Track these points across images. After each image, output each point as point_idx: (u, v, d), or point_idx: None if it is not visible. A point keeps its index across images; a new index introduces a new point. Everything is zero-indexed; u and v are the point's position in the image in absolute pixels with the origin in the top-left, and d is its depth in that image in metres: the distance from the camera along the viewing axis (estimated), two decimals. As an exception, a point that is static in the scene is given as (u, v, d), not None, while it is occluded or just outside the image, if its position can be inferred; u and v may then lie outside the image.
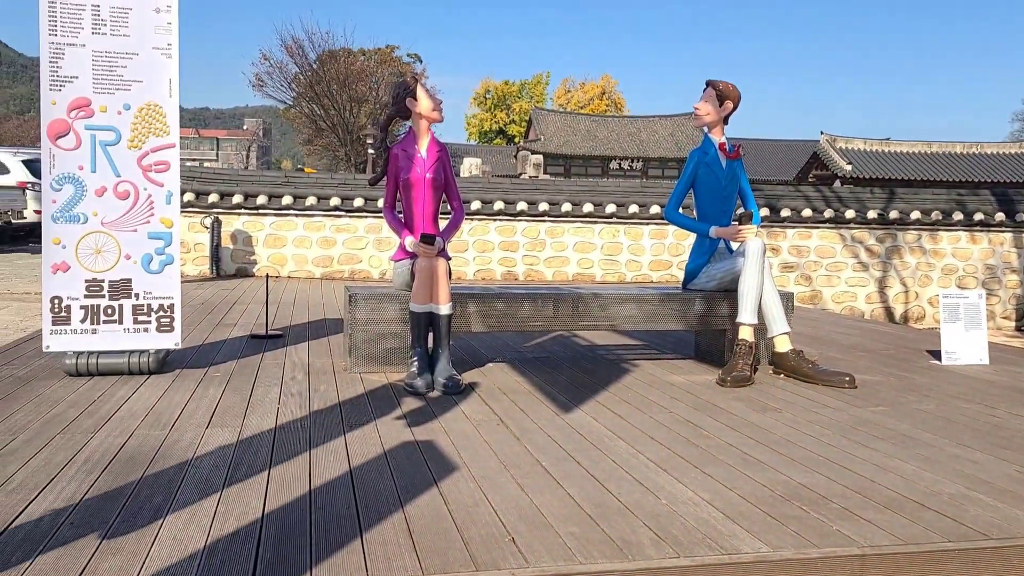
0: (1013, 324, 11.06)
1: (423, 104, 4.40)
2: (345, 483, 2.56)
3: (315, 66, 37.89)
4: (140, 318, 4.03)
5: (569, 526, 2.27)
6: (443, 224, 5.38)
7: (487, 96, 72.72)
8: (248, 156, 54.52)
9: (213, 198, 9.90)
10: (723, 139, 4.84)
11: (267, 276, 5.59)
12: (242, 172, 10.60)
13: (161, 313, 4.06)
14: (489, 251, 10.61)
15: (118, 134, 3.95)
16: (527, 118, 57.32)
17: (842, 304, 11.01)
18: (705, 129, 4.86)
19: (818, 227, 11.04)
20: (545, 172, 42.00)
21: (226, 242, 10.07)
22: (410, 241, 4.29)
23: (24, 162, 15.20)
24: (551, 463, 2.84)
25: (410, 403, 3.67)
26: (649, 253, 10.87)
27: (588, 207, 10.68)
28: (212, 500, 2.38)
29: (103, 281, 3.96)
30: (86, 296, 3.94)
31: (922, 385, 4.36)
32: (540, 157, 29.31)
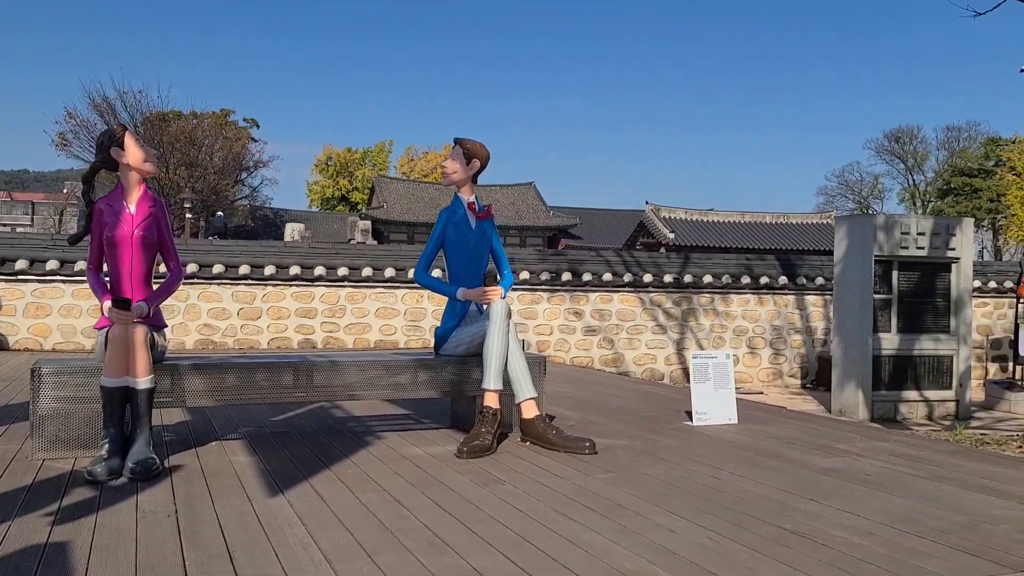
0: (799, 382, 11.64)
1: (132, 155, 3.98)
2: None
3: (139, 128, 36.07)
4: None
5: (159, 646, 1.87)
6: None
7: (329, 163, 71.87)
8: (61, 220, 50.81)
9: (-39, 263, 8.86)
10: (472, 198, 4.70)
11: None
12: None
13: None
14: (285, 318, 10.07)
15: None
16: (370, 185, 56.98)
17: (643, 367, 11.22)
18: (455, 189, 4.71)
19: (619, 291, 11.27)
20: (388, 239, 41.70)
21: (-21, 312, 9.00)
22: (106, 306, 3.80)
23: None
24: (198, 563, 2.44)
25: (80, 494, 3.16)
26: (454, 318, 10.67)
27: (390, 271, 10.41)
28: None
29: None
30: None
31: (664, 447, 4.29)
32: (368, 223, 29.01)
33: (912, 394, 9.20)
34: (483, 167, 4.71)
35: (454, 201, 4.72)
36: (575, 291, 11.10)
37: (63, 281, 9.22)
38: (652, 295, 11.37)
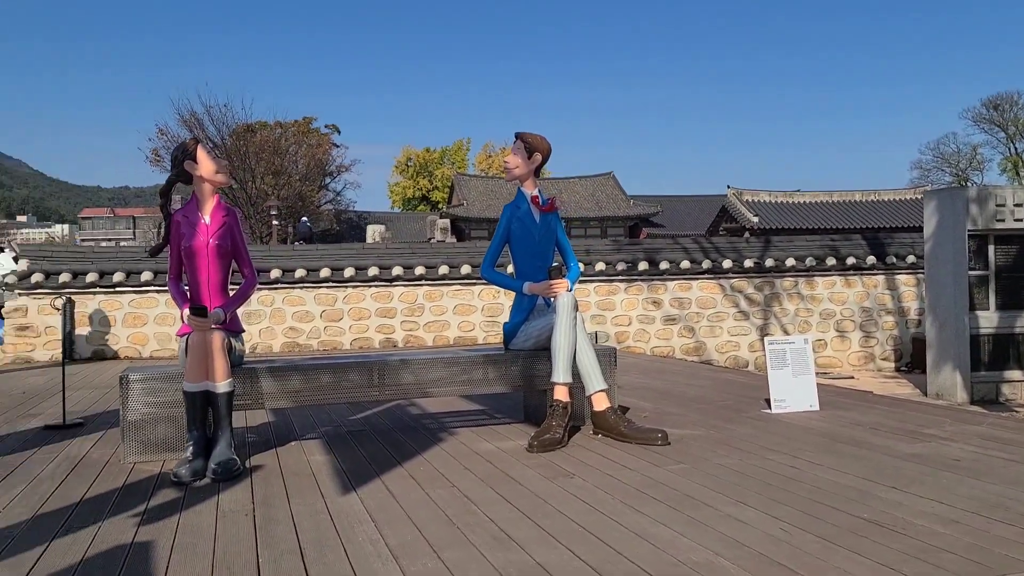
0: (893, 365, 11.20)
1: (205, 167, 4.13)
2: (-8, 605, 2.19)
3: (227, 140, 37.39)
4: None
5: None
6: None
7: (408, 164, 72.96)
8: (158, 233, 53.13)
9: (64, 278, 9.37)
10: (535, 192, 4.68)
11: (64, 358, 5.15)
12: (96, 249, 10.11)
13: None
14: (366, 318, 10.29)
15: None
16: (449, 184, 57.56)
17: (726, 354, 11.00)
18: (517, 184, 4.71)
19: (698, 278, 11.07)
20: (469, 236, 42.04)
21: (82, 323, 9.51)
22: (185, 314, 3.96)
23: None
24: (270, 560, 2.51)
25: (166, 495, 3.30)
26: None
27: (466, 269, 10.49)
28: None
29: None
30: None
31: (739, 436, 4.19)
32: (447, 221, 29.28)
33: (1016, 374, 8.72)
34: (545, 160, 4.69)
35: (517, 196, 4.71)
36: (653, 280, 10.96)
37: (157, 291, 9.65)
38: (733, 281, 11.13)
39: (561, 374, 4.21)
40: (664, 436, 4.03)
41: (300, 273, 10.06)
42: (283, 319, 10.08)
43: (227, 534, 2.77)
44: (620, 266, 10.90)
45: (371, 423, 4.83)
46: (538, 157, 4.64)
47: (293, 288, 10.11)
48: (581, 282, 10.56)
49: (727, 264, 11.08)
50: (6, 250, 14.16)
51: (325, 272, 10.13)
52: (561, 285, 4.38)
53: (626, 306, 10.90)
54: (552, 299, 4.48)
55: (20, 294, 9.41)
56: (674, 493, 3.15)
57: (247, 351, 9.48)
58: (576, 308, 4.34)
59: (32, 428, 4.84)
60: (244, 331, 4.36)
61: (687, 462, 3.66)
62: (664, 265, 10.96)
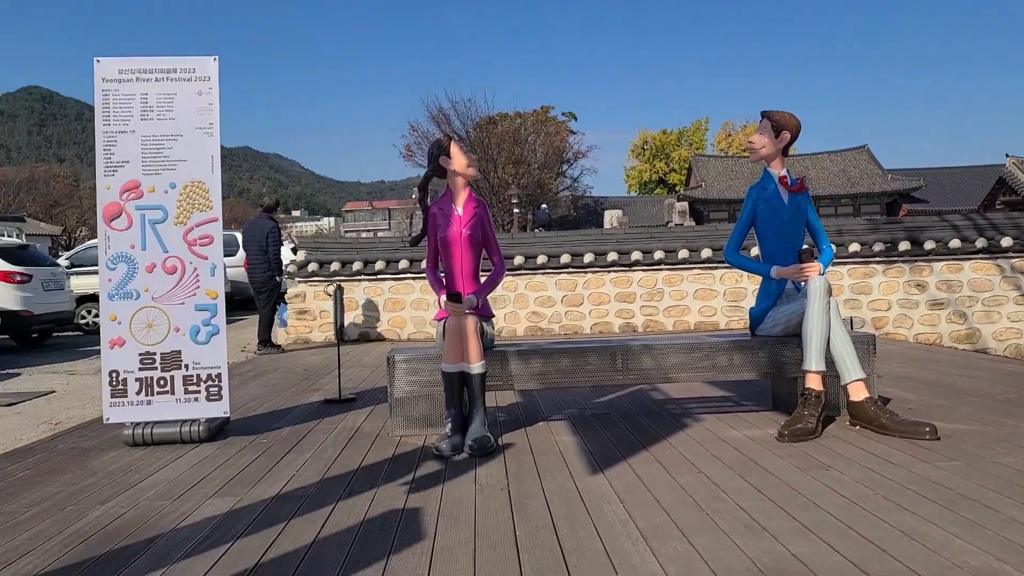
0: None
1: (457, 162, 4.39)
2: (293, 558, 2.50)
3: (471, 133, 39.35)
4: (190, 388, 4.21)
5: (492, 604, 2.08)
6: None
7: (645, 147, 72.55)
8: (411, 223, 57.03)
9: (335, 266, 10.36)
10: (783, 172, 4.49)
11: (338, 340, 5.71)
12: (359, 240, 11.06)
13: (209, 383, 4.23)
14: (605, 303, 10.40)
15: (165, 212, 4.21)
16: (687, 166, 56.53)
17: (1005, 343, 9.86)
18: (763, 164, 4.55)
19: (970, 258, 10.01)
20: (708, 219, 41.10)
21: (350, 308, 10.48)
22: (442, 300, 4.24)
23: None
24: (526, 533, 2.65)
25: (429, 467, 3.58)
26: (777, 297, 10.23)
27: (707, 252, 10.26)
28: None
29: (155, 354, 4.18)
30: (140, 369, 4.17)
31: (1022, 434, 3.76)
32: (685, 204, 28.70)
33: None
34: (793, 139, 4.48)
35: (764, 176, 4.54)
36: (916, 261, 10.06)
37: (412, 278, 10.39)
38: (1013, 261, 9.93)
39: (814, 361, 4.01)
40: (933, 430, 3.72)
41: (542, 259, 10.37)
42: (526, 304, 10.46)
43: (485, 506, 2.96)
44: (877, 247, 10.11)
45: (614, 406, 4.90)
46: (786, 136, 4.44)
47: (535, 274, 10.44)
48: (832, 265, 9.95)
49: (1006, 242, 9.90)
50: (286, 242, 15.96)
51: (565, 258, 10.37)
52: (813, 268, 4.18)
53: (884, 290, 10.11)
54: (803, 283, 4.28)
55: (299, 281, 10.55)
56: (946, 492, 2.91)
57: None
58: (830, 292, 4.11)
59: (314, 402, 5.43)
60: (494, 316, 4.59)
61: (960, 459, 3.35)
62: (929, 245, 10.02)
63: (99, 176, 4.18)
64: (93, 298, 13.84)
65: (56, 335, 13.65)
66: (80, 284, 13.62)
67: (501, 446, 3.94)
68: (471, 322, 4.01)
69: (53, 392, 7.68)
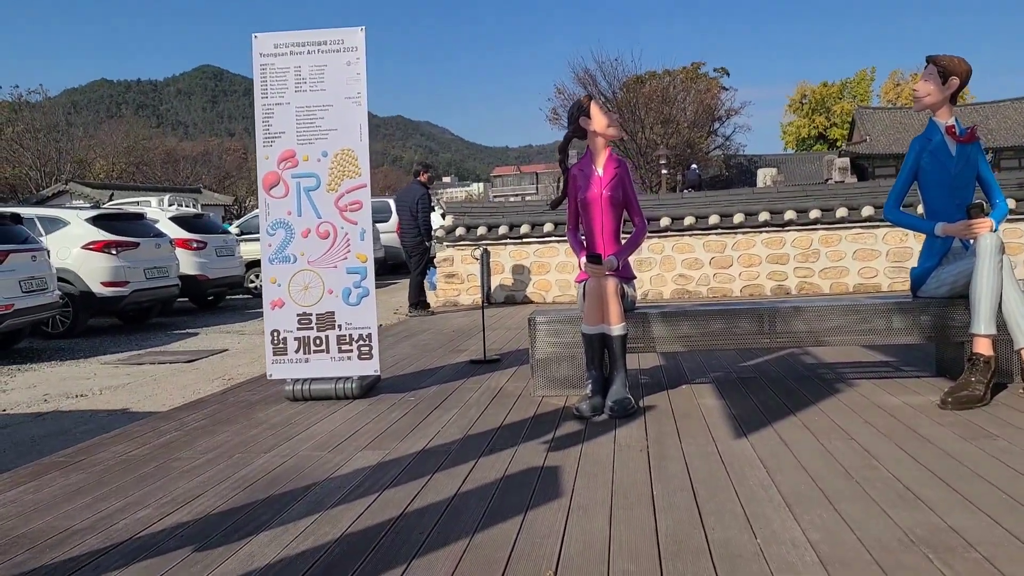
0: None
1: (597, 122, 4.35)
2: (436, 509, 2.61)
3: (617, 94, 38.78)
4: (343, 347, 4.44)
5: (627, 563, 2.10)
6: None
7: (803, 101, 68.94)
8: (557, 187, 57.16)
9: (481, 231, 10.56)
10: (951, 122, 4.15)
11: (483, 303, 5.83)
12: (506, 204, 11.18)
13: (361, 342, 4.44)
14: (756, 265, 10.05)
15: (318, 179, 4.42)
16: (849, 119, 53.30)
17: None
18: (929, 112, 4.23)
19: None
20: (873, 175, 38.70)
21: (496, 271, 10.67)
22: (582, 262, 4.24)
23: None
24: (664, 494, 2.64)
25: (569, 427, 3.62)
26: (946, 256, 9.53)
27: (868, 210, 9.68)
28: (308, 520, 2.56)
29: (311, 315, 4.43)
30: (298, 328, 4.44)
31: None
32: (847, 160, 27.12)
33: None
34: (963, 85, 4.12)
35: (929, 127, 4.23)
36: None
37: (557, 241, 10.43)
38: None
39: (983, 324, 3.73)
40: (1122, 401, 3.38)
41: (689, 221, 10.14)
42: (673, 266, 10.27)
43: (624, 467, 2.96)
44: (1062, 200, 9.19)
45: (761, 370, 4.75)
46: (954, 81, 4.10)
47: (682, 236, 10.23)
48: (1008, 221, 9.16)
49: None
50: (436, 208, 16.40)
51: (714, 219, 10.08)
52: (984, 224, 3.86)
53: (1072, 247, 9.20)
54: (971, 241, 3.97)
55: (447, 246, 10.83)
56: None
57: (638, 297, 9.87)
58: (1003, 251, 3.79)
59: (461, 362, 5.59)
60: (636, 278, 4.54)
61: None
62: None
63: (258, 147, 4.44)
64: (260, 263, 14.80)
65: (228, 298, 14.70)
66: (248, 250, 14.58)
67: (642, 408, 3.92)
68: (611, 284, 3.98)
69: (226, 350, 8.32)
